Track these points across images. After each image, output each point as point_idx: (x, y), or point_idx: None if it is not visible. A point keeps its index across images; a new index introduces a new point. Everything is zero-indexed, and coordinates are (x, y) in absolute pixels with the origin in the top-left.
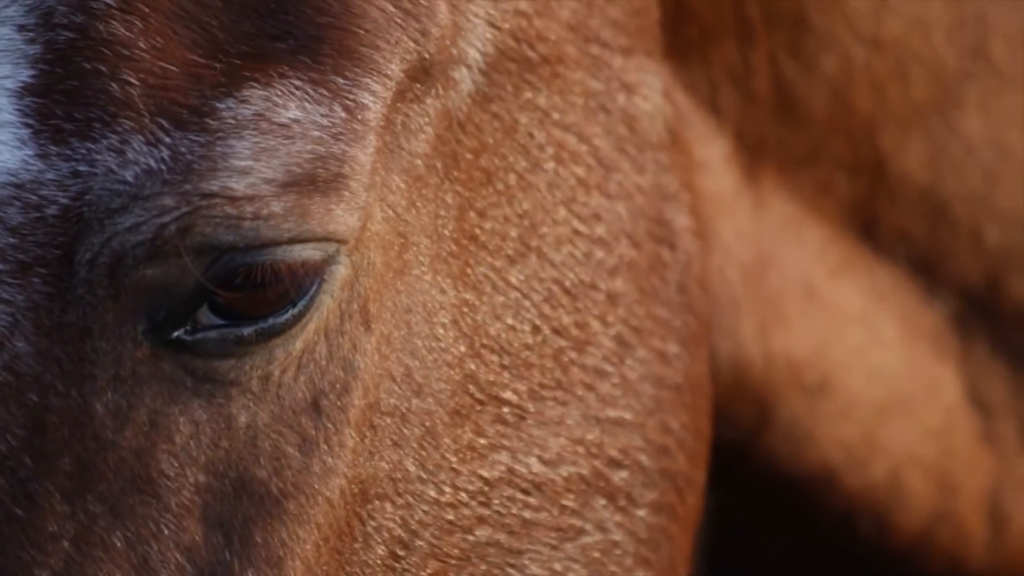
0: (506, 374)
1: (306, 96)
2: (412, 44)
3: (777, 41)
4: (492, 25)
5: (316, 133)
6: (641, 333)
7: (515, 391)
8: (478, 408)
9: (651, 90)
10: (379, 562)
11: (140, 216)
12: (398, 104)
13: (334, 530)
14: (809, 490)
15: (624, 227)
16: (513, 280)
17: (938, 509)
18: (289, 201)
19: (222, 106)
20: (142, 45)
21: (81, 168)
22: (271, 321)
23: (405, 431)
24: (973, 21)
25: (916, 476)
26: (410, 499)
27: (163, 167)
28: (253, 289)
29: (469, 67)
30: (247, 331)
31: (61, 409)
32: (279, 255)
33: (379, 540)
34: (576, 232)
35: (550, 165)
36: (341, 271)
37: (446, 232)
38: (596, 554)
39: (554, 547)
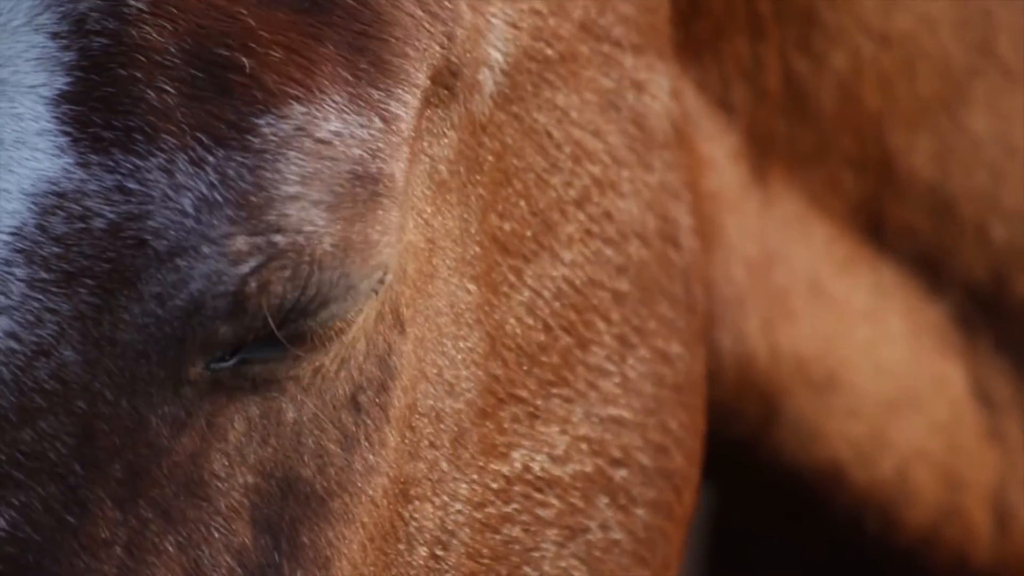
0: (522, 372)
1: (345, 109)
2: (439, 49)
3: (788, 36)
4: (512, 25)
5: (356, 150)
6: (644, 332)
7: (529, 389)
8: (500, 407)
9: (660, 89)
10: (421, 563)
11: (218, 263)
12: (425, 111)
13: (379, 530)
14: (816, 486)
15: (634, 226)
16: (528, 279)
17: (944, 505)
18: (336, 234)
19: (261, 122)
20: (173, 50)
21: (130, 185)
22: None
23: (440, 431)
24: (980, 17)
25: (923, 472)
26: (446, 499)
27: (218, 196)
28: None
29: (491, 68)
30: (293, 344)
31: (111, 417)
32: (330, 318)
33: (421, 541)
34: (588, 231)
35: (567, 164)
36: (385, 278)
37: (470, 234)
38: (597, 552)
39: (561, 545)
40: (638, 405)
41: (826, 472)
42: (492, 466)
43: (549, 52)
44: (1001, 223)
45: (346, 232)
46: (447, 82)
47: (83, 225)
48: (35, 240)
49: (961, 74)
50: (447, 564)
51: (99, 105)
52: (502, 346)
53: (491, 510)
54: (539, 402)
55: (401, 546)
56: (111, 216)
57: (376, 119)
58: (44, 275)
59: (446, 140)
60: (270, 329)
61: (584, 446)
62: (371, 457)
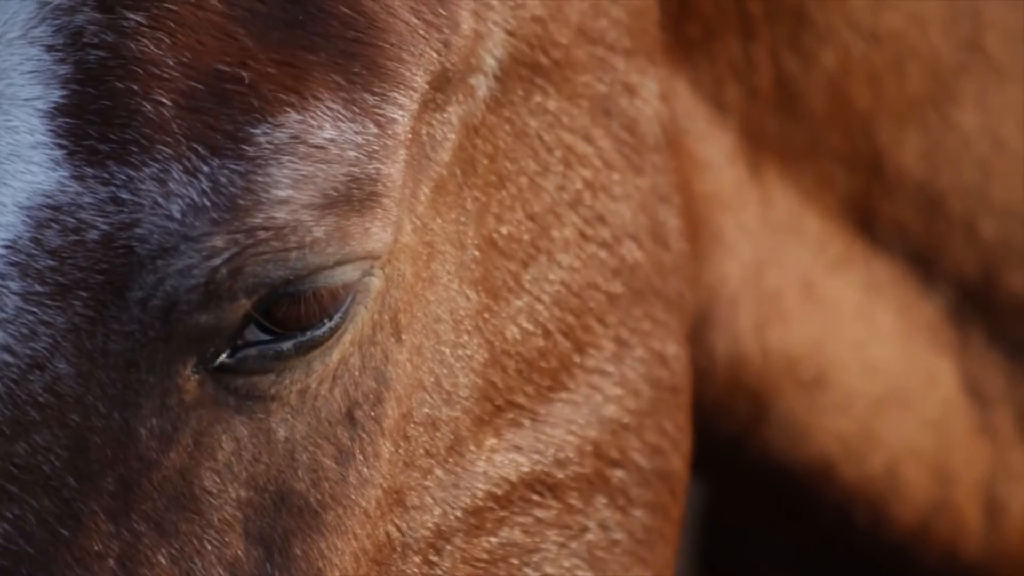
0: (521, 378)
1: (340, 116)
2: (435, 55)
3: (778, 36)
4: (510, 33)
5: (352, 153)
6: (640, 334)
7: (527, 395)
8: (497, 413)
9: (650, 92)
10: (415, 571)
11: (191, 259)
12: (423, 115)
13: (372, 541)
14: (806, 482)
15: (627, 229)
16: (526, 283)
17: (935, 500)
18: (329, 225)
19: (257, 131)
20: (171, 62)
21: (124, 196)
22: (309, 335)
23: (436, 439)
24: (968, 15)
25: (913, 468)
26: (443, 507)
27: (207, 202)
28: (296, 311)
29: (485, 74)
30: (286, 346)
31: (103, 430)
32: (321, 282)
33: (415, 549)
34: (582, 234)
35: (559, 168)
36: (375, 283)
37: (468, 239)
38: (599, 552)
39: (562, 545)
40: (635, 407)
41: (816, 469)
42: (490, 472)
43: (543, 59)
44: (991, 219)
45: (340, 224)
46: (444, 87)
47: (77, 238)
48: (30, 253)
49: (950, 71)
50: (441, 570)
51: (95, 118)
52: (502, 353)
53: (487, 515)
54: (537, 407)
55: (395, 555)
56: (105, 227)
57: (371, 124)
58: (39, 288)
59: (446, 144)
60: (249, 311)
61: (583, 448)
62: (365, 470)
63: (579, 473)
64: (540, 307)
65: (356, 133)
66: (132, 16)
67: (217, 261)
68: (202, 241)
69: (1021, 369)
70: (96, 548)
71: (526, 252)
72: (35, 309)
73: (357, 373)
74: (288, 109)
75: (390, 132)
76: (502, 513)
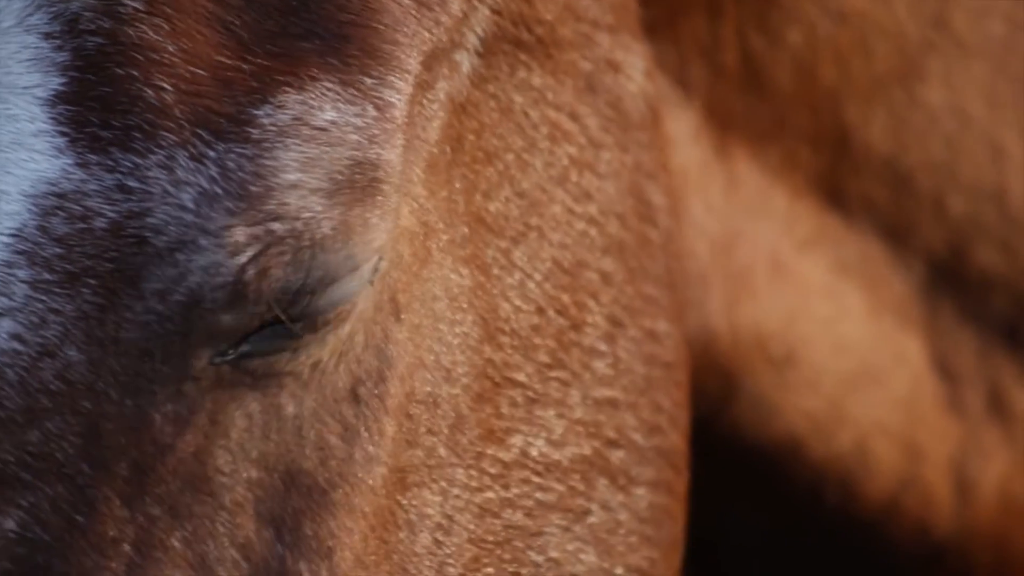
0: (517, 356)
1: (339, 97)
2: (427, 35)
3: (745, 15)
4: (495, 12)
5: (353, 136)
6: (632, 312)
7: (526, 373)
8: (497, 391)
9: (634, 69)
10: (424, 550)
11: (215, 255)
12: (416, 96)
13: (379, 519)
14: (776, 460)
15: (613, 206)
16: (517, 260)
17: (905, 476)
18: (335, 218)
19: (260, 113)
20: (171, 48)
21: (131, 184)
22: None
23: (438, 417)
24: None
25: (883, 445)
26: (444, 485)
27: (218, 189)
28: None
29: (467, 50)
30: (298, 325)
31: (116, 416)
32: (337, 298)
33: (422, 528)
34: (571, 211)
35: (545, 144)
36: (380, 264)
37: (458, 215)
38: (603, 534)
39: (565, 528)
40: (630, 385)
41: (785, 446)
42: (490, 451)
43: (526, 35)
44: (959, 195)
45: (345, 216)
46: (434, 66)
47: (84, 225)
48: (36, 241)
49: (916, 49)
50: (448, 549)
51: (96, 104)
52: (496, 330)
53: (491, 495)
54: (536, 385)
55: (402, 534)
56: (112, 215)
57: (370, 107)
58: (47, 276)
59: (436, 122)
60: (274, 314)
61: (580, 428)
62: (371, 448)
63: (577, 454)
64: (531, 284)
65: (356, 116)
66: (128, 3)
67: (243, 259)
68: (223, 235)
69: (990, 346)
70: (111, 533)
71: (515, 229)
72: (44, 297)
73: (360, 351)
74: (288, 89)
75: (388, 116)
76: (505, 495)
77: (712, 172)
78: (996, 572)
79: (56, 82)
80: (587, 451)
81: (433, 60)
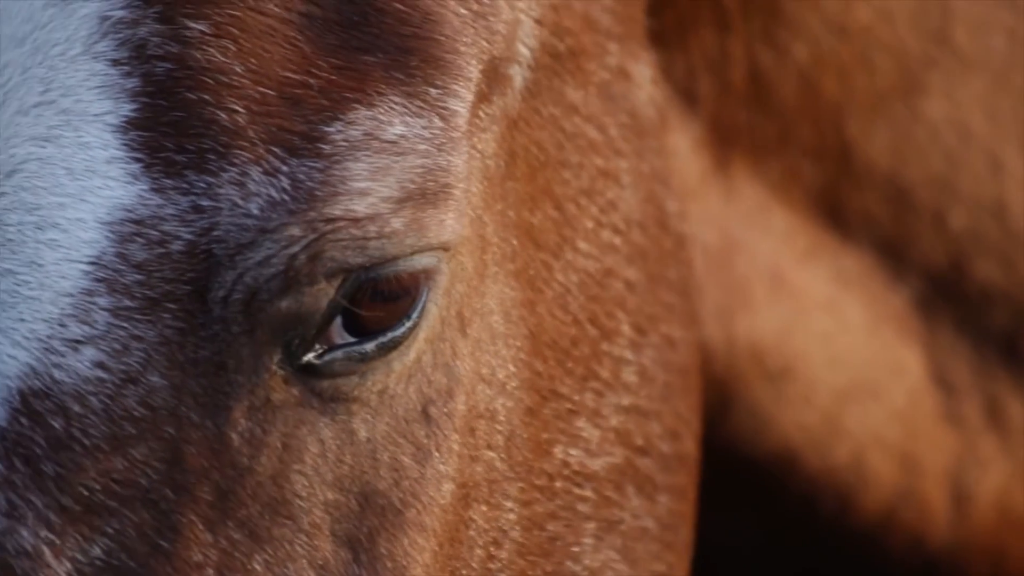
0: (559, 368)
1: (406, 111)
2: (485, 44)
3: (753, 30)
4: (537, 21)
5: (423, 147)
6: (653, 319)
7: (566, 384)
8: (543, 403)
9: (643, 77)
10: (478, 564)
11: (270, 249)
12: (476, 106)
13: (447, 535)
14: (771, 472)
15: (634, 215)
16: (556, 273)
17: (901, 488)
18: (406, 216)
19: (331, 130)
20: (239, 69)
21: (203, 203)
22: (390, 335)
23: (495, 431)
24: (936, 8)
25: (879, 457)
26: (500, 499)
27: (286, 196)
28: (382, 303)
29: (520, 64)
30: (370, 347)
31: (197, 440)
32: (401, 266)
33: (479, 542)
34: (598, 222)
35: (576, 157)
36: (443, 279)
37: (509, 229)
38: (631, 542)
39: (599, 538)
40: (654, 393)
41: (781, 459)
42: (538, 464)
43: (561, 47)
44: (958, 209)
45: (416, 215)
46: (491, 77)
47: (163, 250)
48: (116, 268)
49: (918, 64)
50: (500, 563)
51: (169, 129)
52: (541, 343)
53: (538, 507)
54: (575, 396)
55: (462, 549)
56: (188, 236)
57: (436, 118)
58: (128, 303)
59: (491, 135)
60: (336, 301)
61: (612, 436)
62: (441, 466)
63: (610, 463)
64: (570, 296)
65: (424, 128)
66: (194, 25)
67: (295, 248)
68: (279, 231)
69: (988, 358)
70: (195, 558)
71: (554, 242)
72: (126, 324)
73: (430, 370)
74: (357, 106)
75: (453, 124)
76: (550, 506)
77: (710, 184)
78: None
79: (127, 108)
80: (619, 460)
81: (492, 71)
